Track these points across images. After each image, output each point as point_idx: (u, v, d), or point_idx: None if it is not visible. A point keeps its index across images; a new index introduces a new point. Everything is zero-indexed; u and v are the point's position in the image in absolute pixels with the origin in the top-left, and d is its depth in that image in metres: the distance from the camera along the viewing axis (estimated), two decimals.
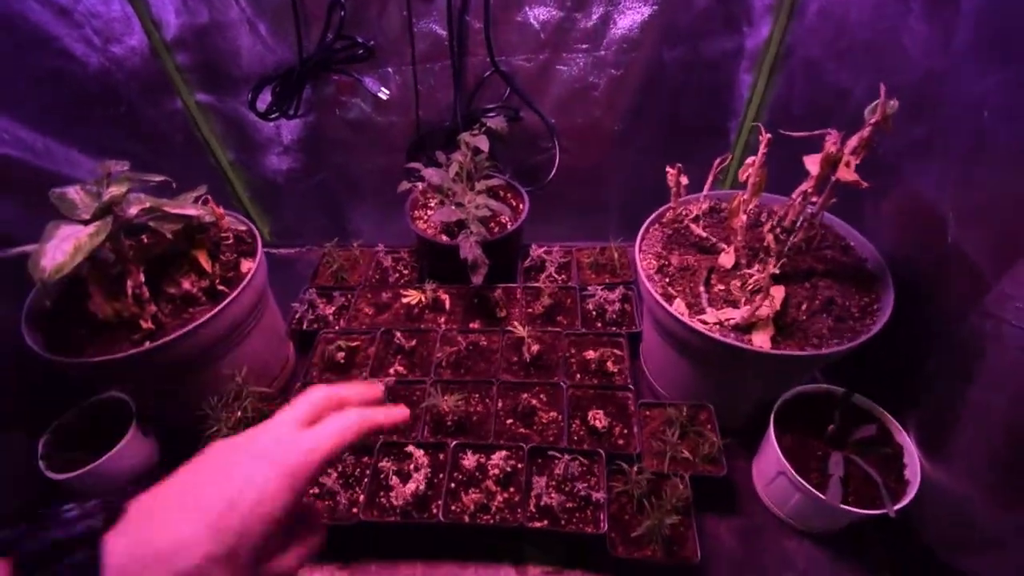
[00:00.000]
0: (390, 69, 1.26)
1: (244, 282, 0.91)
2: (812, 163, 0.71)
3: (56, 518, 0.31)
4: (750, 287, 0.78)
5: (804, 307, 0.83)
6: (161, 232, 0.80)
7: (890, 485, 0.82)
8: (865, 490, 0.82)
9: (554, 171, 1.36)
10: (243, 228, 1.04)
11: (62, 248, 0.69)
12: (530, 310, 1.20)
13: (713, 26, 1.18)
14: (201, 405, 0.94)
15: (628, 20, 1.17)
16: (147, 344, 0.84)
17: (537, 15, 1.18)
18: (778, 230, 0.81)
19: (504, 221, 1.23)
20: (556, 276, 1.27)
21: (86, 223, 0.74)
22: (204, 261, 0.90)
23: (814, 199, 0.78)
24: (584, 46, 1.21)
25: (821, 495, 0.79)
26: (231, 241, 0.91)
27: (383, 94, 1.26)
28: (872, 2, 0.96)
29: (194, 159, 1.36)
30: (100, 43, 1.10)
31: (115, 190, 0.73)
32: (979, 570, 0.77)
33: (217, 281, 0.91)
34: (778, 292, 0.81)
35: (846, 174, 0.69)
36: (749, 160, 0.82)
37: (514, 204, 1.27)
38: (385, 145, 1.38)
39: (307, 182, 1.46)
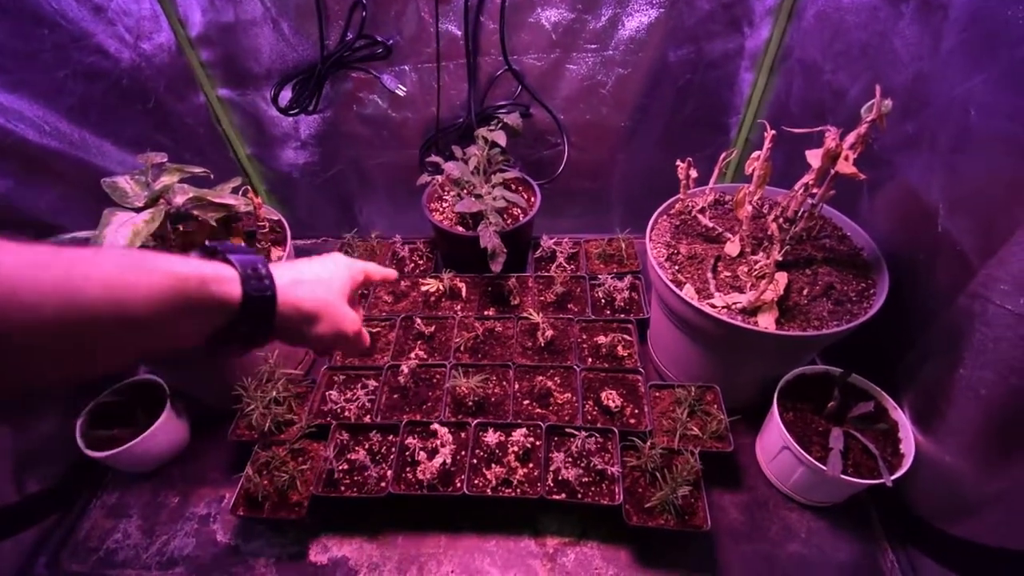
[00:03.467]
0: (407, 67, 1.31)
1: None
2: (814, 157, 0.77)
3: (238, 249, 0.51)
4: (756, 273, 0.84)
5: (805, 292, 0.89)
6: (204, 219, 0.85)
7: (886, 458, 0.88)
8: (863, 462, 0.88)
9: (563, 166, 1.41)
10: (275, 218, 1.08)
11: (121, 233, 0.74)
12: (542, 298, 1.25)
13: (716, 27, 1.24)
14: (232, 386, 0.99)
15: (636, 22, 1.22)
16: None
17: (549, 16, 1.23)
18: (781, 220, 0.87)
19: (517, 213, 1.28)
20: (566, 266, 1.33)
21: (139, 210, 0.78)
22: None
23: (815, 191, 0.84)
24: (593, 46, 1.26)
25: (823, 467, 0.85)
26: (266, 230, 0.96)
27: (400, 91, 1.31)
28: (867, 7, 1.02)
29: (215, 152, 1.40)
30: (131, 40, 1.14)
31: (166, 180, 0.78)
32: (967, 534, 0.83)
33: None
34: (781, 278, 0.87)
35: (845, 167, 0.75)
36: (754, 155, 0.88)
37: (526, 197, 1.33)
38: (399, 141, 1.43)
39: (322, 176, 1.51)
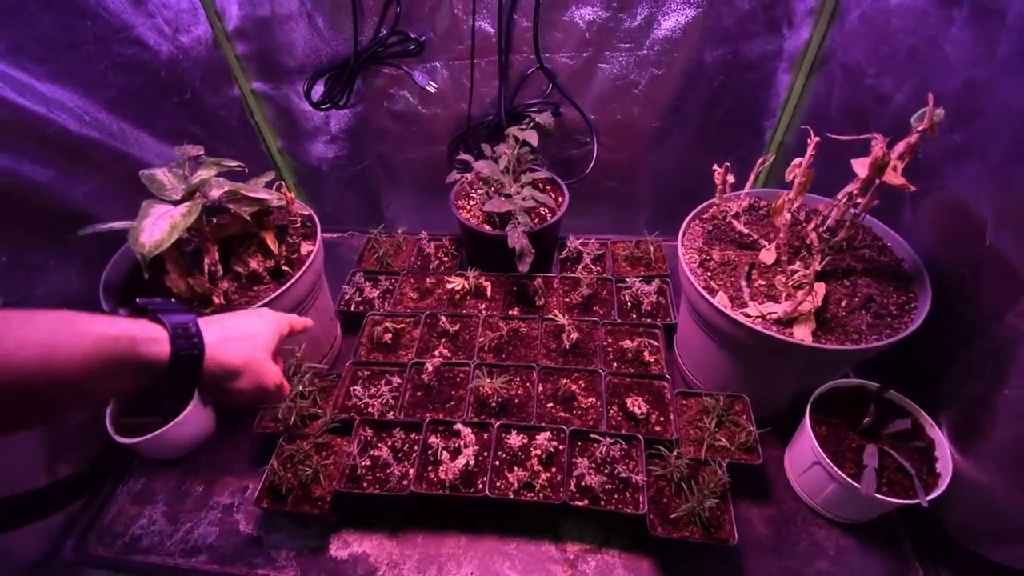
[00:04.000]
0: (438, 64, 1.31)
1: (307, 263, 0.96)
2: (860, 166, 0.75)
3: (167, 307, 0.53)
4: (793, 283, 0.82)
5: (844, 304, 0.86)
6: (237, 213, 0.86)
7: (922, 477, 0.85)
8: (897, 481, 0.86)
9: (591, 165, 1.40)
10: (306, 213, 1.09)
11: (159, 225, 0.75)
12: (568, 299, 1.24)
13: (755, 28, 1.21)
14: None
15: (672, 21, 1.20)
16: None
17: (583, 15, 1.22)
18: (822, 229, 0.85)
19: (544, 213, 1.27)
20: (592, 267, 1.31)
21: (176, 203, 0.79)
22: (272, 243, 0.95)
23: (858, 200, 0.81)
24: (627, 45, 1.25)
25: (856, 484, 0.83)
26: (297, 224, 0.96)
27: (431, 87, 1.30)
28: (915, 11, 0.98)
29: (247, 144, 1.42)
30: (170, 32, 1.16)
31: (203, 173, 0.79)
32: (1005, 559, 0.80)
33: (282, 262, 0.96)
34: (819, 288, 0.84)
35: (893, 178, 0.72)
36: (796, 161, 0.85)
37: (554, 196, 1.31)
38: (427, 137, 1.42)
39: (351, 170, 1.52)
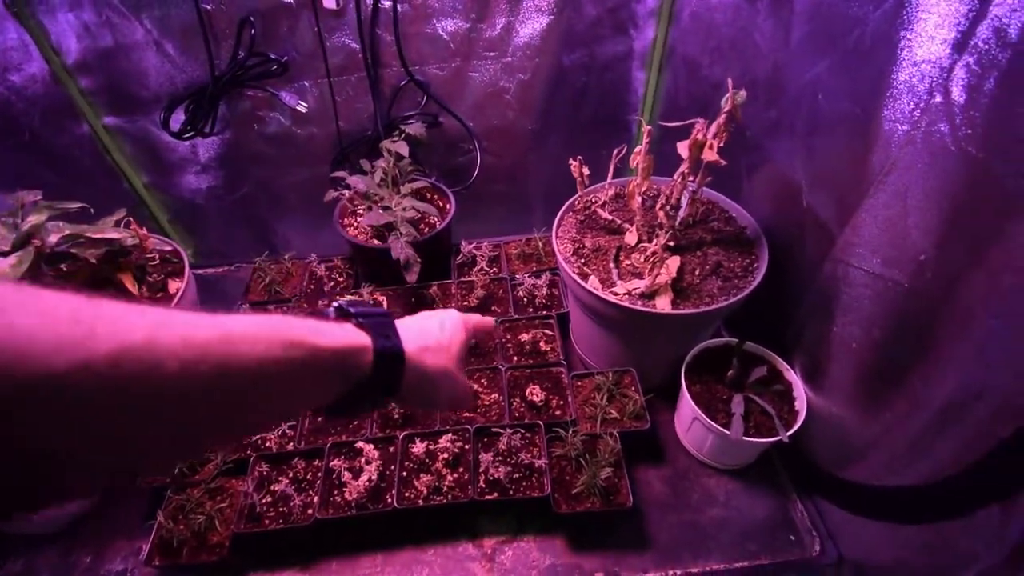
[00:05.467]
0: (307, 83, 1.29)
1: (174, 302, 0.91)
2: (683, 148, 0.83)
3: (367, 310, 0.49)
4: (649, 259, 0.89)
5: (697, 272, 0.95)
6: (84, 258, 0.80)
7: (783, 416, 0.96)
8: (764, 423, 0.96)
9: (476, 171, 1.44)
10: (168, 248, 1.03)
11: None
12: (465, 303, 1.27)
13: (604, 31, 1.30)
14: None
15: (529, 28, 1.27)
16: None
17: (445, 26, 1.25)
18: (667, 207, 0.93)
19: (433, 221, 1.29)
20: (487, 269, 1.35)
21: (6, 255, 0.73)
22: (130, 284, 0.89)
23: (691, 179, 0.91)
24: (492, 53, 1.30)
25: (727, 431, 0.91)
26: (157, 262, 0.91)
27: (301, 107, 1.29)
28: (731, 5, 1.11)
29: (107, 184, 1.32)
30: None
31: (33, 219, 0.73)
32: (857, 477, 0.92)
33: (145, 303, 0.91)
34: (673, 262, 0.93)
35: (710, 155, 0.81)
36: (636, 149, 0.93)
37: (441, 204, 1.34)
38: (307, 157, 1.40)
39: (229, 199, 1.45)
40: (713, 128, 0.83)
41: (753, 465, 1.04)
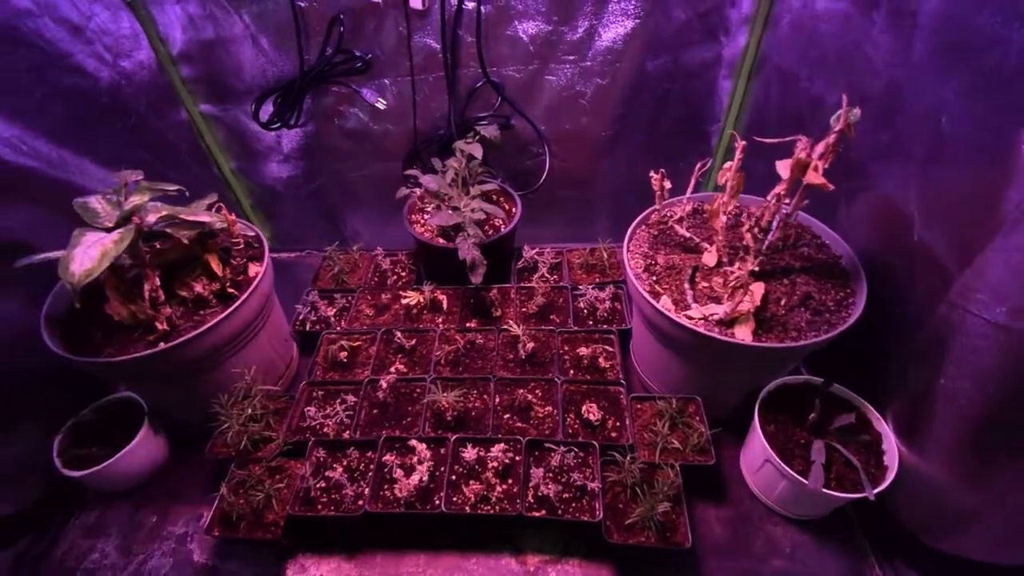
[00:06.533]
0: (386, 80, 1.32)
1: (253, 285, 0.95)
2: (783, 168, 0.77)
3: None
4: (731, 284, 0.83)
5: (783, 302, 0.88)
6: (177, 238, 0.85)
7: (870, 470, 0.87)
8: (846, 475, 0.87)
9: (544, 176, 1.41)
10: (251, 234, 1.08)
11: (89, 254, 0.74)
12: (524, 309, 1.24)
13: (693, 37, 1.24)
14: (210, 403, 0.98)
15: (612, 33, 1.22)
16: (161, 345, 0.88)
17: (526, 29, 1.24)
18: (756, 230, 0.86)
19: (498, 224, 1.28)
20: (548, 276, 1.32)
21: (109, 230, 0.78)
22: (215, 265, 0.94)
23: (787, 201, 0.83)
24: (571, 57, 1.27)
25: (805, 481, 0.84)
26: (241, 246, 0.95)
27: (380, 104, 1.31)
28: (839, 15, 1.02)
29: (198, 168, 1.41)
30: (111, 59, 1.15)
31: (136, 199, 0.78)
32: (955, 548, 0.81)
33: (228, 284, 0.95)
34: (758, 288, 0.86)
35: (814, 178, 0.74)
36: (726, 165, 0.87)
37: (507, 207, 1.32)
38: (381, 153, 1.43)
39: (306, 189, 1.51)
40: (820, 147, 0.75)
41: (825, 518, 0.95)
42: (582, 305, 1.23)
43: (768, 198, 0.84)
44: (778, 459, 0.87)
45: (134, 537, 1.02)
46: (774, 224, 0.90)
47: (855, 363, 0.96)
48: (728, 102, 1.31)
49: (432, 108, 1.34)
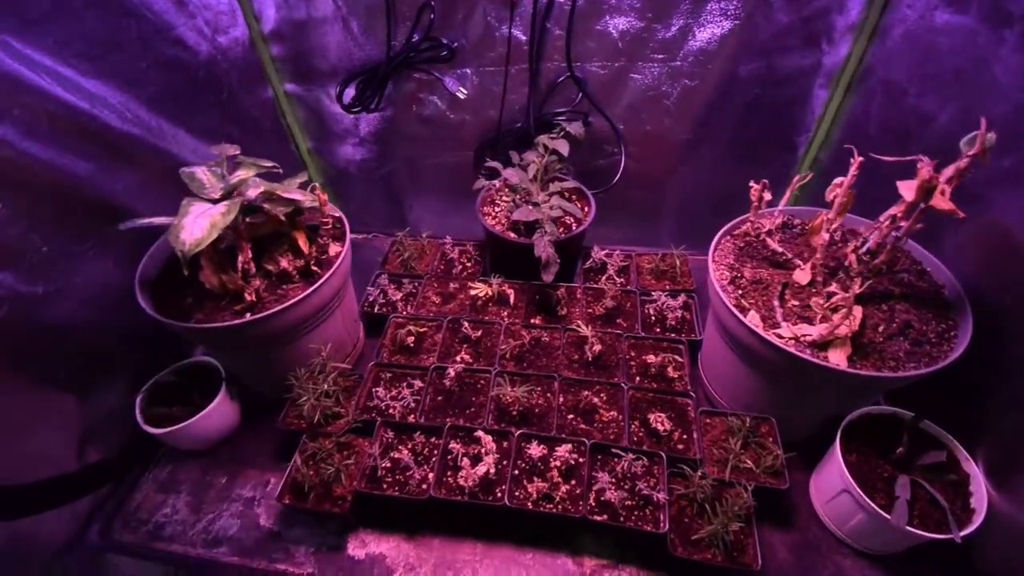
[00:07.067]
0: (468, 70, 1.31)
1: (336, 265, 0.97)
2: (907, 189, 0.72)
3: None
4: (830, 305, 0.80)
5: (881, 329, 0.84)
6: (273, 213, 0.87)
7: (956, 512, 0.83)
8: (929, 514, 0.83)
9: (618, 175, 1.39)
10: (336, 215, 1.10)
11: (199, 224, 0.76)
12: (591, 310, 1.23)
13: (792, 42, 1.19)
14: (284, 375, 1.01)
15: (707, 33, 1.18)
16: (248, 316, 0.91)
17: (617, 24, 1.21)
18: (862, 251, 0.83)
19: (570, 223, 1.26)
20: (616, 279, 1.30)
21: (215, 202, 0.81)
22: (303, 242, 0.96)
23: (901, 224, 0.79)
24: (660, 56, 1.23)
25: (887, 515, 0.80)
26: (329, 226, 0.97)
27: (461, 94, 1.31)
28: (963, 31, 0.96)
29: (278, 145, 1.44)
30: (209, 33, 1.18)
31: (242, 173, 0.80)
32: None
33: (312, 262, 0.97)
34: (856, 312, 0.82)
35: (942, 203, 0.70)
36: (837, 180, 0.83)
37: (580, 206, 1.31)
38: (455, 142, 1.43)
39: (377, 173, 1.53)
40: (949, 171, 0.71)
41: (899, 555, 0.91)
42: (650, 311, 1.21)
43: (881, 219, 0.80)
44: (859, 490, 0.84)
45: (204, 496, 1.06)
46: (882, 247, 0.85)
47: (947, 398, 0.91)
48: (821, 112, 1.25)
49: (510, 100, 1.33)
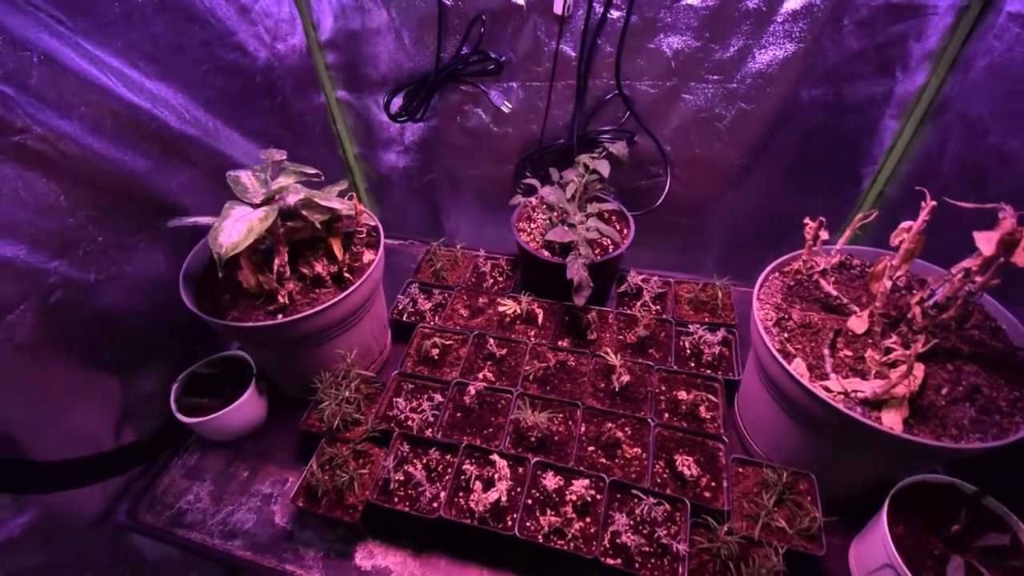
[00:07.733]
0: (514, 84, 1.30)
1: (368, 272, 0.98)
2: (986, 242, 0.65)
3: None
4: (887, 360, 0.73)
5: (944, 391, 0.75)
6: (311, 221, 0.88)
7: None
8: None
9: (662, 198, 1.34)
10: (372, 224, 1.11)
11: (238, 228, 0.78)
12: (621, 337, 1.19)
13: (863, 69, 1.11)
14: (310, 377, 1.03)
15: (768, 55, 1.12)
16: (280, 317, 0.92)
17: (671, 43, 1.17)
18: (928, 304, 0.75)
19: (607, 244, 1.22)
20: (652, 306, 1.25)
21: (255, 207, 0.83)
22: (337, 249, 0.98)
23: (976, 278, 0.71)
24: (716, 77, 1.18)
25: None
26: (364, 235, 0.98)
27: (505, 108, 1.30)
28: None
29: (326, 149, 1.48)
30: (269, 40, 1.23)
31: (283, 180, 0.82)
32: None
33: (345, 269, 0.98)
34: (918, 370, 0.74)
35: None
36: (905, 224, 0.76)
37: (619, 228, 1.27)
38: (496, 155, 1.42)
39: (418, 181, 1.55)
40: None
41: None
42: (686, 344, 1.15)
43: (953, 271, 0.72)
44: (905, 567, 0.75)
45: (226, 487, 1.09)
46: (952, 301, 0.77)
47: (1017, 474, 0.81)
48: (891, 144, 1.16)
49: (555, 116, 1.31)
